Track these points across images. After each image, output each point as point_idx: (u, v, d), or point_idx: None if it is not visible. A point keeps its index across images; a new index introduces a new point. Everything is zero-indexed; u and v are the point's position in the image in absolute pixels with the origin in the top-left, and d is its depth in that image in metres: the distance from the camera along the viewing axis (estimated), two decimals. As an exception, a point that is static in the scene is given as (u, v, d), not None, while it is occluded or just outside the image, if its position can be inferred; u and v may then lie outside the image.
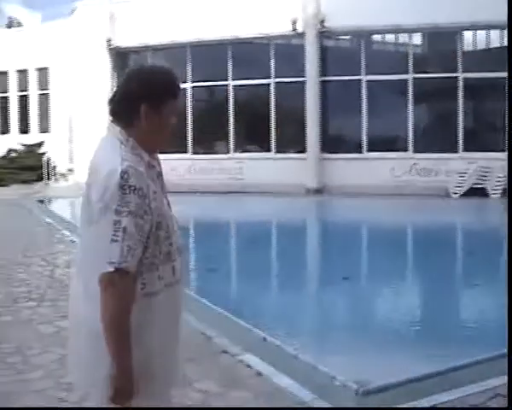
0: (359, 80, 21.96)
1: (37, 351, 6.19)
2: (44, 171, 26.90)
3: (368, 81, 21.85)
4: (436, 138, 21.67)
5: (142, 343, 2.68)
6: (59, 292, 8.49)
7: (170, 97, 2.84)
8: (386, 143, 22.12)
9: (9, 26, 49.26)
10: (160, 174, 2.85)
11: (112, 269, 2.53)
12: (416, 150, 21.30)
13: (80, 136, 24.95)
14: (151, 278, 2.68)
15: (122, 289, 2.56)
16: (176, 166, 23.30)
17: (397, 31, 21.75)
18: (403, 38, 22.39)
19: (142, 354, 2.67)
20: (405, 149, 21.51)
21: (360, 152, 21.99)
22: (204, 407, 4.75)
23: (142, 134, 2.73)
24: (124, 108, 2.75)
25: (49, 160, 27.14)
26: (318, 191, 21.69)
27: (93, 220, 2.64)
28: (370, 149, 21.85)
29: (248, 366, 5.65)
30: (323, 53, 22.38)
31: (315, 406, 4.86)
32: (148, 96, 2.74)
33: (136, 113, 2.72)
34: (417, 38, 22.58)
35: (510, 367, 4.64)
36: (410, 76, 21.51)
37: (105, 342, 2.60)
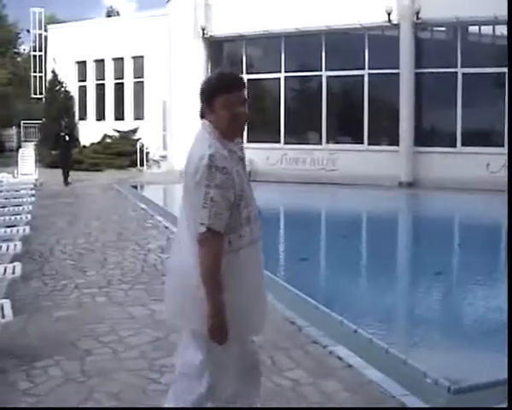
0: (455, 73, 21.50)
1: (131, 332, 6.34)
2: (138, 157, 27.43)
3: (463, 74, 21.37)
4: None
5: (232, 288, 3.39)
6: (151, 276, 8.67)
7: (222, 94, 3.45)
8: (481, 137, 21.62)
9: (109, 15, 50.46)
10: (241, 159, 3.57)
11: (204, 229, 3.30)
12: (513, 145, 20.73)
13: (173, 124, 25.33)
14: (235, 237, 3.43)
15: (214, 246, 3.33)
16: (268, 155, 23.45)
17: (494, 22, 21.15)
18: (500, 29, 21.78)
19: (231, 297, 3.38)
20: (501, 145, 20.95)
21: (454, 146, 21.56)
22: (204, 407, 4.75)
23: (217, 126, 3.47)
24: (202, 107, 3.56)
25: (142, 146, 27.65)
26: (411, 185, 21.40)
27: (189, 196, 3.45)
28: (465, 144, 21.40)
29: (339, 357, 5.64)
30: (418, 45, 22.01)
31: (406, 402, 4.81)
32: (208, 96, 3.51)
33: (207, 110, 3.52)
34: (516, 30, 21.93)
35: (510, 367, 4.60)
36: (507, 69, 20.88)
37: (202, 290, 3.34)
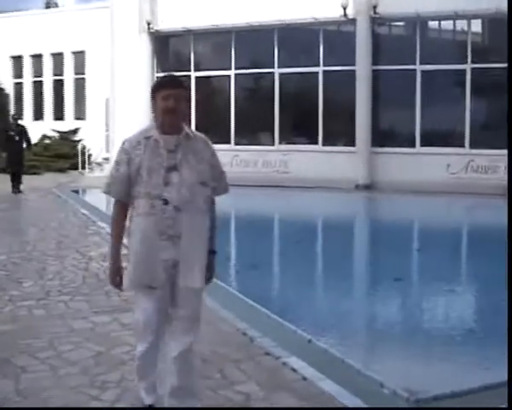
0: (413, 70, 21.76)
1: (70, 347, 6.27)
2: (79, 159, 27.18)
3: (423, 71, 21.64)
4: (495, 134, 21.37)
5: (131, 245, 4.56)
6: (93, 286, 8.59)
7: (158, 92, 4.48)
8: (441, 137, 21.93)
9: (48, 6, 49.85)
10: (169, 150, 4.45)
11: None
12: (473, 146, 21.04)
13: (117, 123, 25.10)
14: (136, 206, 4.49)
15: (113, 209, 4.64)
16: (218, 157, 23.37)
17: (454, 17, 21.46)
18: (461, 25, 22.09)
19: (130, 251, 4.57)
20: (462, 145, 21.26)
21: (413, 147, 21.81)
22: (205, 407, 4.75)
23: (156, 119, 4.55)
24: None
25: (84, 148, 27.41)
26: (368, 187, 21.59)
27: None
28: (424, 144, 21.65)
29: (293, 369, 5.64)
30: (375, 41, 22.22)
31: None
32: (151, 94, 4.57)
33: (152, 106, 4.59)
34: (477, 25, 22.23)
35: (510, 367, 4.67)
36: (468, 66, 21.25)
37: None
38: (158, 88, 4.51)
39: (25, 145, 20.66)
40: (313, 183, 21.42)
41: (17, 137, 20.26)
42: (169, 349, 4.58)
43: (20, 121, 21.77)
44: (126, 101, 24.06)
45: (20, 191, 19.71)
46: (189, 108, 4.35)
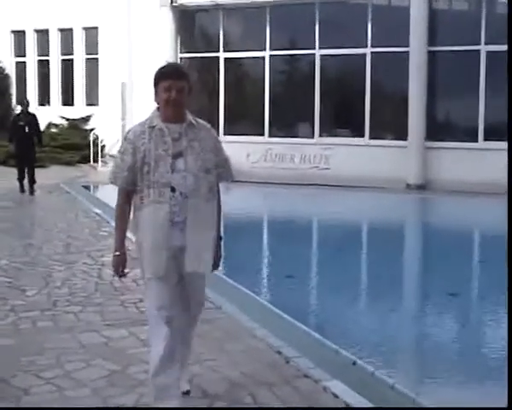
0: (477, 51, 21.64)
1: (81, 365, 6.32)
2: (91, 151, 27.30)
3: (488, 52, 21.50)
4: None
5: (139, 233, 5.16)
6: (107, 296, 8.64)
7: (161, 82, 5.10)
8: (507, 131, 21.77)
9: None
10: (174, 139, 5.07)
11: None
12: (545, 141, 20.87)
13: (134, 111, 25.20)
14: (144, 196, 5.06)
15: (118, 198, 5.27)
16: (249, 151, 23.45)
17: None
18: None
19: (138, 239, 5.18)
20: (532, 139, 21.12)
21: (475, 141, 21.70)
22: (204, 408, 4.76)
23: (159, 108, 5.18)
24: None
25: (96, 138, 27.50)
26: (421, 187, 21.52)
27: None
28: (488, 138, 21.53)
29: (334, 394, 5.65)
30: (432, 17, 22.13)
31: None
32: (154, 83, 5.19)
33: (155, 95, 5.21)
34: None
35: (510, 367, 4.91)
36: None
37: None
38: (160, 78, 5.12)
39: (36, 139, 19.75)
40: (358, 181, 21.40)
41: (27, 128, 19.16)
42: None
43: (29, 109, 20.41)
44: (145, 85, 24.04)
45: (33, 192, 19.14)
46: (192, 96, 4.67)
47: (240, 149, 23.37)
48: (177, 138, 5.08)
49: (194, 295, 5.41)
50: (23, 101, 20.72)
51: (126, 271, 5.30)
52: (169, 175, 5.01)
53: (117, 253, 5.21)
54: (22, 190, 19.19)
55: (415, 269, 12.99)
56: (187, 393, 5.54)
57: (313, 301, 10.23)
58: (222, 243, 5.49)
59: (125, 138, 5.20)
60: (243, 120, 24.57)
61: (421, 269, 12.95)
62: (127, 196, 5.19)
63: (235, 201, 21.51)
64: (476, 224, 17.39)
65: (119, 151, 5.22)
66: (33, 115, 19.86)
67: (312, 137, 23.58)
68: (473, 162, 21.02)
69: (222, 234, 5.51)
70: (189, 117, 5.18)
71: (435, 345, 8.02)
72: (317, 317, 8.94)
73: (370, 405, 5.45)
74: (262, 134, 23.96)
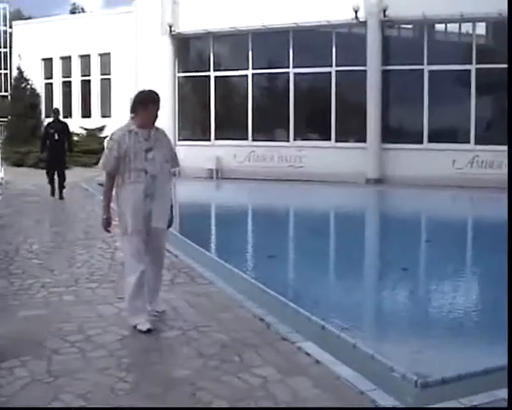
0: (421, 70, 21.66)
1: (98, 331, 6.30)
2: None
3: (430, 71, 21.54)
4: (499, 131, 21.22)
5: (121, 203, 6.37)
6: (119, 274, 8.61)
7: (141, 105, 6.39)
8: (447, 134, 21.81)
9: (73, 12, 49.93)
10: (145, 139, 6.36)
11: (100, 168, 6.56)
12: (478, 142, 20.94)
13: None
14: (126, 177, 6.29)
15: (105, 179, 6.49)
16: (236, 152, 23.47)
17: (460, 20, 21.33)
18: (466, 27, 21.94)
19: (120, 207, 6.39)
20: (467, 141, 21.16)
21: (421, 143, 21.74)
22: (204, 407, 4.73)
23: (136, 120, 6.41)
24: (131, 109, 6.51)
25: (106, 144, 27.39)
26: (378, 181, 21.56)
27: None
28: (431, 140, 21.58)
29: (307, 353, 5.65)
30: (385, 42, 22.14)
31: (375, 397, 4.83)
32: (133, 104, 6.47)
33: (132, 111, 6.46)
34: (481, 28, 22.07)
35: (510, 367, 4.61)
36: (473, 66, 21.12)
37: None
38: (142, 101, 6.42)
39: (67, 145, 17.96)
40: (326, 177, 21.42)
41: (57, 136, 17.45)
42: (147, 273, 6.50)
43: (61, 118, 18.84)
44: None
45: (62, 196, 17.48)
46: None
47: (228, 152, 23.45)
48: (147, 139, 6.37)
49: (157, 242, 6.55)
50: (54, 109, 19.04)
51: (110, 229, 6.62)
52: (143, 163, 6.30)
53: (104, 216, 6.52)
54: (53, 193, 17.50)
55: (374, 248, 13.01)
56: (162, 312, 6.80)
57: (290, 276, 10.26)
58: (172, 209, 6.73)
59: (110, 138, 6.43)
60: (230, 127, 24.51)
61: (378, 248, 12.98)
62: (112, 178, 6.39)
63: (225, 194, 21.62)
64: (424, 210, 17.44)
65: (107, 147, 6.41)
66: (64, 123, 18.21)
67: (288, 140, 23.54)
68: (420, 160, 21.07)
69: (173, 203, 6.82)
70: (155, 125, 6.51)
71: (389, 312, 8.05)
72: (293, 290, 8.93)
73: (336, 361, 5.45)
74: (246, 138, 23.92)
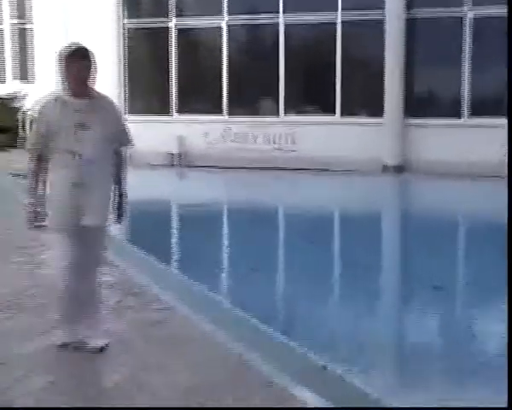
0: (460, 17, 21.79)
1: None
2: (22, 133, 27.11)
3: (474, 18, 21.65)
4: None
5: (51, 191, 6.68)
6: (50, 295, 8.66)
7: (65, 64, 6.50)
8: (495, 106, 21.94)
9: None
10: (75, 110, 6.55)
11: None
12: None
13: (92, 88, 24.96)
14: (53, 161, 6.60)
15: (29, 159, 6.71)
16: (207, 130, 23.47)
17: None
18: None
19: (51, 194, 6.69)
20: (521, 116, 21.33)
21: (459, 117, 21.86)
22: (203, 407, 4.84)
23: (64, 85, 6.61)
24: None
25: (29, 118, 27.31)
26: (399, 169, 21.65)
27: None
28: (473, 114, 21.70)
29: (302, 401, 5.74)
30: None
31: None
32: (59, 63, 6.55)
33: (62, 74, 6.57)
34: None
35: (510, 367, 5.21)
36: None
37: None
38: (65, 59, 6.49)
39: None
40: (328, 165, 21.51)
41: None
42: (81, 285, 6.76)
43: None
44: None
45: None
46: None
47: (195, 129, 23.47)
48: (79, 110, 6.55)
49: (90, 246, 6.79)
50: None
51: (38, 224, 6.80)
52: (74, 143, 6.50)
53: (31, 208, 6.75)
54: None
55: (391, 262, 13.10)
56: (103, 348, 6.85)
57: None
58: (125, 199, 7.06)
59: (37, 112, 6.82)
60: (199, 97, 24.55)
61: (400, 262, 13.08)
62: (40, 160, 6.69)
63: (190, 188, 21.61)
64: (460, 210, 17.41)
65: (34, 123, 6.90)
66: None
67: (277, 114, 23.62)
68: (456, 141, 21.17)
69: (124, 191, 7.06)
70: (93, 91, 6.69)
71: (415, 346, 8.15)
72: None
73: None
74: (220, 112, 23.96)
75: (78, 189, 6.52)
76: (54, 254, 7.10)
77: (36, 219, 6.73)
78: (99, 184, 6.69)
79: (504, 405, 5.08)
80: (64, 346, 6.80)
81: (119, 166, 6.99)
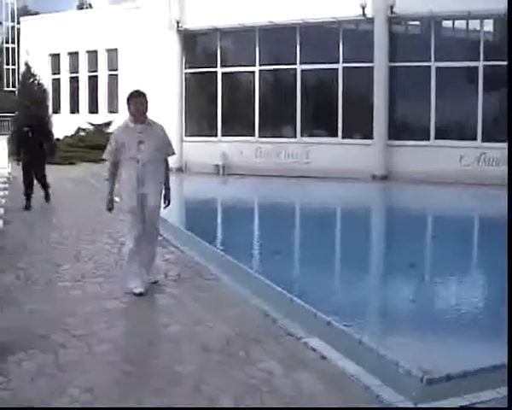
0: (428, 67, 21.58)
1: (104, 325, 6.31)
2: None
3: (437, 68, 21.45)
4: (506, 128, 21.14)
5: (121, 185, 7.58)
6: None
7: (129, 100, 7.48)
8: (454, 131, 21.77)
9: (80, 7, 49.93)
10: (138, 132, 7.44)
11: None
12: (485, 140, 20.87)
13: (148, 116, 25.03)
14: (123, 163, 7.46)
15: (108, 166, 7.71)
16: (242, 148, 23.46)
17: (467, 17, 21.26)
18: (473, 24, 21.87)
19: (120, 187, 7.58)
20: (474, 138, 21.10)
21: (428, 139, 21.67)
22: (202, 407, 4.74)
23: (129, 115, 7.55)
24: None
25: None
26: (384, 177, 21.50)
27: None
28: (438, 137, 21.53)
29: (313, 349, 5.66)
30: (392, 38, 22.04)
31: (380, 392, 4.83)
32: (126, 101, 7.53)
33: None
34: (488, 25, 21.98)
35: (510, 367, 4.62)
36: (480, 63, 21.04)
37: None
38: (127, 99, 7.49)
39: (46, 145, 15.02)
40: (332, 173, 21.37)
41: (31, 134, 14.52)
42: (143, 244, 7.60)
43: (35, 112, 16.70)
44: (156, 95, 24.07)
45: (48, 199, 15.14)
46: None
47: (235, 147, 23.40)
48: (140, 132, 7.42)
49: (152, 217, 7.59)
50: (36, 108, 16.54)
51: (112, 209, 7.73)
52: (136, 153, 7.36)
53: (109, 197, 7.65)
54: (27, 205, 14.40)
55: (379, 243, 12.99)
56: (155, 282, 7.82)
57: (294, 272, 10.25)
58: (169, 191, 7.78)
59: (112, 133, 7.83)
60: (237, 124, 24.49)
61: (385, 243, 12.96)
62: (114, 165, 7.56)
63: (232, 190, 21.60)
64: (429, 207, 17.37)
65: (109, 141, 7.61)
66: (40, 117, 16.21)
67: (295, 136, 23.51)
68: (426, 157, 21.01)
69: (170, 186, 7.79)
70: (147, 119, 7.55)
71: (395, 308, 8.04)
72: (298, 285, 8.91)
73: (341, 356, 5.46)
74: (253, 135, 23.88)
75: (140, 182, 7.40)
76: (125, 224, 7.79)
77: (111, 204, 7.66)
78: (153, 180, 7.48)
79: (501, 399, 4.71)
80: (141, 294, 7.33)
81: (166, 168, 7.76)
